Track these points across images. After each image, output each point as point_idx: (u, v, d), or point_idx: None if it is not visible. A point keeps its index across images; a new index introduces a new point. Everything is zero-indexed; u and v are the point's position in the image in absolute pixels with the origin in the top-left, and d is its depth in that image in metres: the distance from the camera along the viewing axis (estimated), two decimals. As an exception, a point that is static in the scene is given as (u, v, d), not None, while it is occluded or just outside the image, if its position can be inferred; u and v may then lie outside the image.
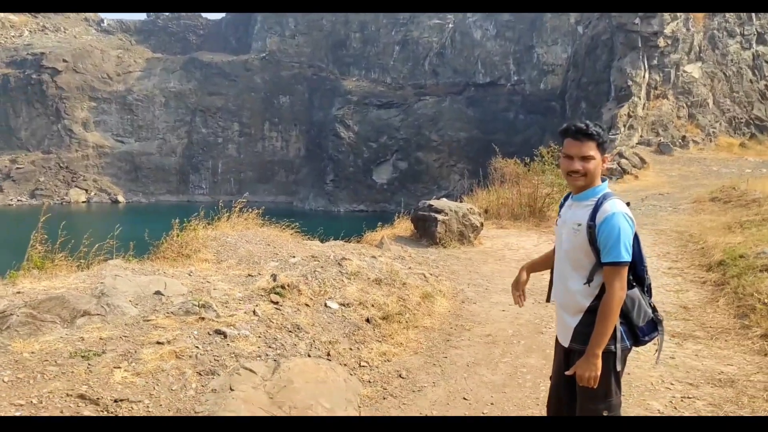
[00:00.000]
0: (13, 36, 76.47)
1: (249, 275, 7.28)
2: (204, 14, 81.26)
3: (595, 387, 3.09)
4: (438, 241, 11.56)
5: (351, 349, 6.01)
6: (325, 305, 6.68)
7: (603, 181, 3.23)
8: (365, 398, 5.24)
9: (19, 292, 5.63)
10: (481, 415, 4.99)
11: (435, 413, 5.07)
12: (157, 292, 5.99)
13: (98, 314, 5.24)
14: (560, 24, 62.24)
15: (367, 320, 6.63)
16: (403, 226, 13.27)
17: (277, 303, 6.35)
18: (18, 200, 66.33)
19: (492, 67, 65.80)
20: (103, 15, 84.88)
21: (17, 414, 3.79)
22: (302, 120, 69.81)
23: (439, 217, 11.71)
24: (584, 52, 49.79)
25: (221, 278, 7.07)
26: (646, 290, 3.25)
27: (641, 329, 3.21)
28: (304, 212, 64.18)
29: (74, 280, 6.19)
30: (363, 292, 7.19)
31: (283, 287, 6.63)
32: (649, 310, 3.22)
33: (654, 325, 3.23)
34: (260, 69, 70.66)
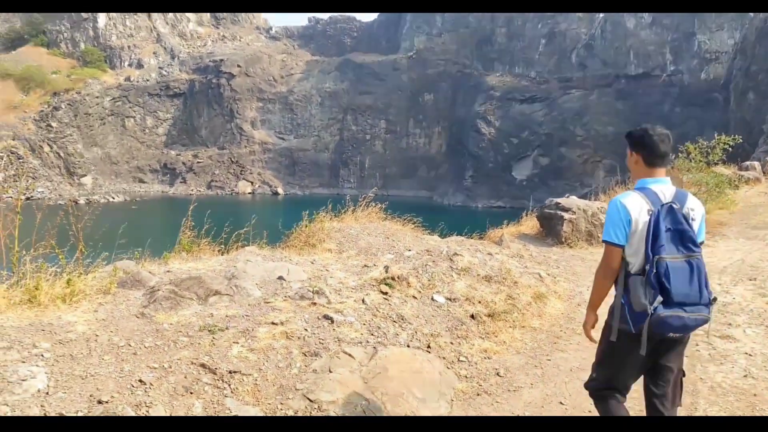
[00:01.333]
0: (199, 46, 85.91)
1: (365, 266, 7.56)
2: (357, 16, 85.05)
3: (589, 339, 3.72)
4: (563, 240, 10.97)
5: (452, 343, 6.00)
6: (432, 299, 6.74)
7: (644, 178, 3.47)
8: (459, 392, 5.23)
9: (168, 271, 6.45)
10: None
11: (527, 414, 4.94)
12: (280, 278, 6.48)
13: (227, 294, 5.81)
14: (727, 8, 55.58)
15: (472, 316, 6.57)
16: (530, 224, 12.72)
17: (386, 293, 6.55)
18: (198, 190, 74.36)
19: (645, 58, 60.72)
20: (271, 22, 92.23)
21: (150, 375, 4.38)
22: (445, 117, 70.04)
23: (566, 215, 11.09)
24: (755, 37, 44.23)
25: (339, 267, 7.45)
26: (655, 282, 3.23)
27: (633, 316, 3.31)
28: (442, 207, 64.49)
29: (214, 263, 6.92)
30: (471, 288, 7.13)
31: (393, 279, 6.81)
32: (644, 302, 3.24)
33: (644, 317, 3.25)
34: (407, 68, 72.08)
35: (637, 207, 3.33)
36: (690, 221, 3.32)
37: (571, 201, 11.78)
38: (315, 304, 5.88)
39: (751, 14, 50.62)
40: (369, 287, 6.67)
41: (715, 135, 17.02)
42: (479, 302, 6.87)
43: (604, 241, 3.46)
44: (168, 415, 3.99)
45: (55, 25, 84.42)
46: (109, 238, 7.15)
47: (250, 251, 7.65)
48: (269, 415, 4.27)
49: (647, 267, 3.27)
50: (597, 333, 3.67)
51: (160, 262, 6.90)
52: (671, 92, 58.77)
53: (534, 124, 63.86)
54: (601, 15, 62.83)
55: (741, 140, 17.76)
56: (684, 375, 3.60)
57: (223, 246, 7.92)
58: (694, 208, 3.41)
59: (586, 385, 3.78)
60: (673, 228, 3.27)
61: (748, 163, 22.62)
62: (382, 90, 72.69)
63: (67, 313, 5.09)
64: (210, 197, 72.22)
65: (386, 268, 7.09)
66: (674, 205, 3.30)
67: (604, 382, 3.60)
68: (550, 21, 65.21)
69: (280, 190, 73.97)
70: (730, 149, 16.71)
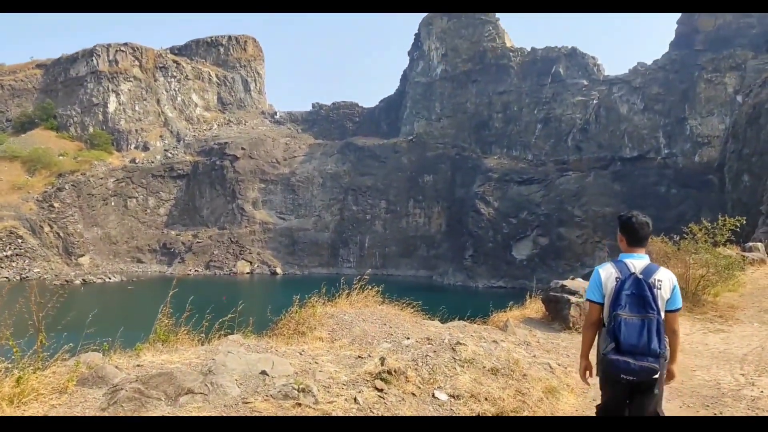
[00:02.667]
0: (205, 129, 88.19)
1: (359, 357, 6.85)
2: (359, 102, 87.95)
3: (583, 381, 4.74)
4: (571, 325, 10.35)
5: (456, 451, 5.24)
6: (433, 395, 6.00)
7: (624, 253, 4.49)
8: None
9: (139, 365, 5.75)
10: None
11: None
12: (263, 372, 5.79)
13: (201, 393, 5.11)
14: (716, 94, 57.62)
15: (478, 417, 5.84)
16: (535, 307, 12.12)
17: (381, 390, 5.83)
18: (195, 270, 73.72)
19: (640, 141, 62.03)
20: (276, 107, 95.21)
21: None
22: (444, 197, 70.64)
23: (573, 299, 10.52)
24: (745, 121, 45.21)
25: (331, 359, 6.74)
26: (611, 332, 4.17)
27: (599, 358, 4.30)
28: (442, 287, 63.64)
29: (191, 355, 6.22)
30: (476, 382, 6.39)
31: (390, 372, 6.10)
32: (603, 347, 4.22)
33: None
34: (407, 150, 73.58)
35: (606, 274, 4.36)
36: (654, 289, 4.16)
37: (577, 283, 11.28)
38: (300, 405, 5.17)
39: (739, 99, 52.20)
40: (363, 382, 5.94)
41: (719, 216, 16.71)
42: (486, 399, 6.12)
43: (586, 300, 4.51)
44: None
45: (66, 110, 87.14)
46: (87, 322, 6.53)
47: (233, 341, 6.97)
48: None
49: (608, 321, 4.22)
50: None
51: (131, 354, 6.21)
52: (667, 174, 59.53)
53: (532, 204, 64.25)
54: (595, 101, 64.85)
55: (744, 222, 17.51)
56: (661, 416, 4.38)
57: (203, 335, 7.23)
58: (662, 279, 4.26)
59: (596, 409, 4.68)
60: (635, 293, 4.12)
61: (750, 244, 22.24)
62: (383, 171, 73.80)
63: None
64: (208, 277, 71.41)
65: (382, 359, 6.39)
66: (639, 276, 4.18)
67: (603, 408, 4.55)
68: (545, 107, 67.27)
69: (278, 270, 73.24)
70: (738, 230, 16.37)
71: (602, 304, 4.32)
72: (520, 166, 66.71)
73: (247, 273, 73.40)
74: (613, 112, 63.84)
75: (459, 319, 10.50)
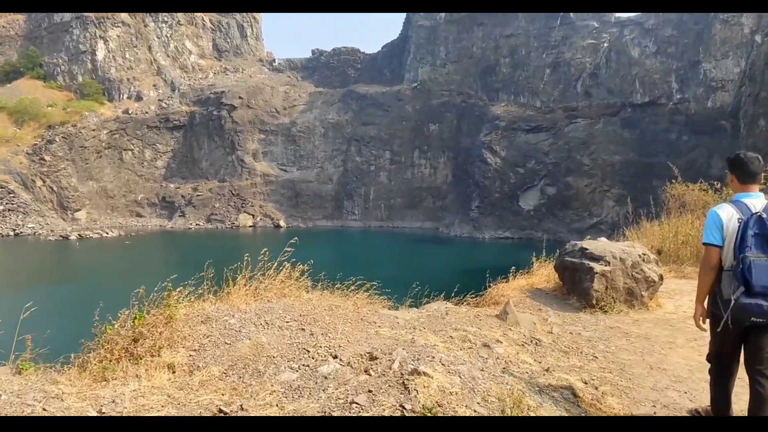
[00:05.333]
0: (201, 78, 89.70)
1: (220, 411, 4.45)
2: (361, 48, 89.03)
3: (698, 327, 4.85)
4: (594, 302, 8.59)
5: None
6: None
7: (738, 193, 4.64)
8: None
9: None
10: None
11: None
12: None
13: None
14: (732, 35, 58.98)
15: None
16: (545, 272, 10.28)
17: None
18: (196, 224, 76.84)
19: (651, 86, 63.97)
20: (274, 54, 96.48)
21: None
22: (450, 147, 73.05)
23: (597, 267, 8.67)
24: (763, 62, 46.80)
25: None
26: (739, 275, 4.27)
27: (723, 303, 4.47)
28: (449, 238, 66.65)
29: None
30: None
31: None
32: (729, 291, 4.38)
33: (729, 304, 4.36)
34: (411, 98, 75.50)
35: (727, 215, 4.44)
36: None
37: (602, 246, 9.28)
38: None
39: (758, 39, 53.65)
40: None
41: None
42: None
43: (703, 243, 4.58)
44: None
45: (52, 58, 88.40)
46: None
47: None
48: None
49: (735, 264, 4.28)
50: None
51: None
52: (678, 120, 61.68)
53: (540, 153, 66.70)
54: (606, 44, 66.51)
55: None
56: None
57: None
58: None
59: (707, 357, 4.95)
60: (759, 233, 4.21)
61: None
62: (386, 121, 75.95)
63: None
64: (210, 231, 74.54)
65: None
66: (762, 215, 4.26)
67: (715, 356, 4.74)
68: (554, 51, 68.79)
69: (282, 223, 76.37)
70: None
71: (722, 247, 4.45)
72: (527, 113, 68.79)
73: (250, 226, 76.40)
74: (624, 55, 65.53)
75: (444, 299, 9.08)
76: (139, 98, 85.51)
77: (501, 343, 6.64)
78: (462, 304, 9.03)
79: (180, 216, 77.72)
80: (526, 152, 67.40)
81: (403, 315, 7.58)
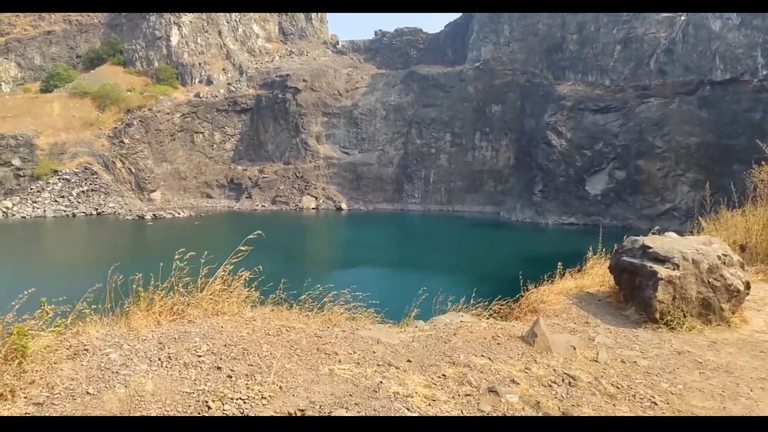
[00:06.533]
0: (267, 61, 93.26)
1: None
2: (424, 28, 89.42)
3: None
4: (658, 316, 6.95)
5: None
6: None
7: None
8: None
9: None
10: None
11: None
12: None
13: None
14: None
15: None
16: (600, 272, 8.57)
17: None
18: (262, 206, 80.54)
19: (733, 62, 60.34)
20: (338, 37, 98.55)
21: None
22: (513, 128, 72.26)
23: (662, 271, 7.08)
24: None
25: None
26: None
27: None
28: (510, 224, 66.30)
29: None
30: None
31: None
32: None
33: None
34: (473, 78, 75.13)
35: None
36: None
37: (669, 243, 7.63)
38: None
39: None
40: None
41: None
42: None
43: None
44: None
45: (131, 44, 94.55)
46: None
47: None
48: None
49: None
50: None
51: None
52: (763, 98, 57.94)
53: (609, 135, 64.77)
54: (683, 17, 63.22)
55: None
56: None
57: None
58: None
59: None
60: None
61: None
62: (448, 102, 76.05)
63: None
64: (274, 213, 78.07)
65: None
66: None
67: None
68: (626, 26, 66.22)
69: (343, 206, 78.61)
70: None
71: None
72: (596, 92, 66.81)
73: (313, 208, 79.18)
74: (703, 29, 62.06)
75: (465, 306, 7.76)
76: (209, 82, 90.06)
77: (517, 384, 4.93)
78: (486, 314, 7.60)
79: (247, 197, 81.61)
80: (594, 134, 65.69)
81: (389, 337, 6.02)
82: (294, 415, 4.25)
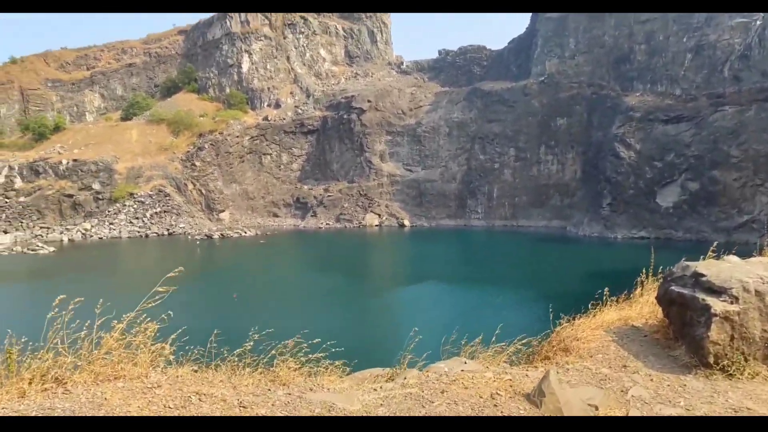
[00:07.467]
0: (333, 84, 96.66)
1: None
2: (487, 45, 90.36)
3: None
4: (712, 360, 5.93)
5: None
6: None
7: None
8: None
9: None
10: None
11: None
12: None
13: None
14: None
15: None
16: (650, 301, 7.44)
17: None
18: (326, 224, 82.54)
19: (816, 66, 58.10)
20: (403, 57, 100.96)
21: None
22: (579, 141, 71.48)
23: (717, 305, 5.97)
24: None
25: None
26: None
27: None
28: (577, 238, 65.14)
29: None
30: None
31: None
32: None
33: None
34: (538, 93, 75.15)
35: None
36: None
37: (727, 270, 6.46)
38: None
39: None
40: None
41: None
42: None
43: None
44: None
45: (205, 72, 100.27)
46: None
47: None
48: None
49: None
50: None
51: None
52: None
53: (680, 145, 62.98)
54: (759, 21, 61.46)
55: None
56: None
57: None
58: None
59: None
60: None
61: None
62: (512, 117, 76.25)
63: None
64: (338, 230, 79.88)
65: None
66: None
67: None
68: (697, 33, 64.79)
69: (406, 222, 79.54)
70: None
71: None
72: (666, 102, 65.38)
73: (376, 225, 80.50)
74: (782, 32, 60.17)
75: (482, 345, 6.96)
76: (277, 105, 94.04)
77: None
78: (508, 353, 6.73)
79: (312, 216, 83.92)
80: (665, 144, 64.11)
81: (348, 401, 4.84)
82: None
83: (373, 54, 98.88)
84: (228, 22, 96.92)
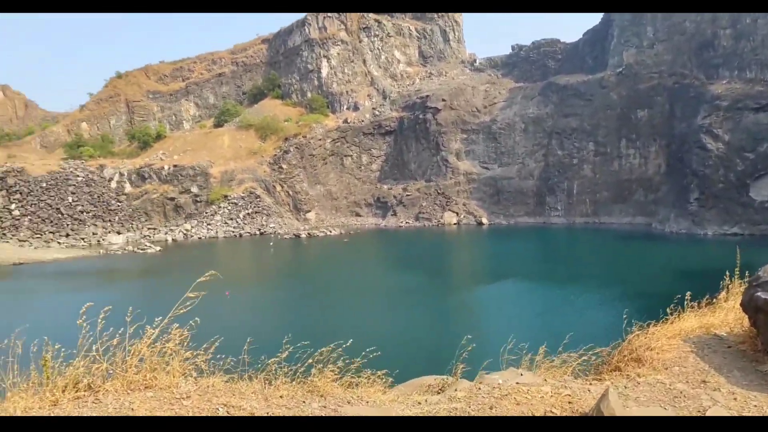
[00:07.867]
0: (408, 84, 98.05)
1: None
2: (561, 38, 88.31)
3: None
4: None
5: None
6: None
7: None
8: None
9: None
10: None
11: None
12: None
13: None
14: None
15: None
16: (735, 307, 6.81)
17: None
18: (406, 222, 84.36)
19: None
20: (476, 55, 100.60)
21: None
22: (662, 133, 68.89)
23: None
24: None
25: None
26: None
27: None
28: (663, 235, 63.03)
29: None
30: None
31: None
32: None
33: None
34: (616, 85, 72.98)
35: None
36: None
37: None
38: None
39: None
40: None
41: None
42: None
43: None
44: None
45: (287, 79, 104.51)
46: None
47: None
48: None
49: None
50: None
51: None
52: None
53: (773, 134, 59.71)
54: None
55: None
56: None
57: None
58: None
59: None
60: None
61: None
62: (589, 110, 74.51)
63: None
64: (417, 229, 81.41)
65: None
66: None
67: None
68: (790, 14, 60.91)
69: (484, 220, 79.83)
70: None
71: None
72: (756, 89, 61.80)
73: (454, 224, 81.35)
74: None
75: (545, 355, 6.44)
76: (356, 108, 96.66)
77: None
78: (574, 363, 6.27)
79: (392, 215, 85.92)
80: (756, 134, 60.81)
81: (386, 415, 4.62)
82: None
83: (446, 53, 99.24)
84: (307, 29, 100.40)
